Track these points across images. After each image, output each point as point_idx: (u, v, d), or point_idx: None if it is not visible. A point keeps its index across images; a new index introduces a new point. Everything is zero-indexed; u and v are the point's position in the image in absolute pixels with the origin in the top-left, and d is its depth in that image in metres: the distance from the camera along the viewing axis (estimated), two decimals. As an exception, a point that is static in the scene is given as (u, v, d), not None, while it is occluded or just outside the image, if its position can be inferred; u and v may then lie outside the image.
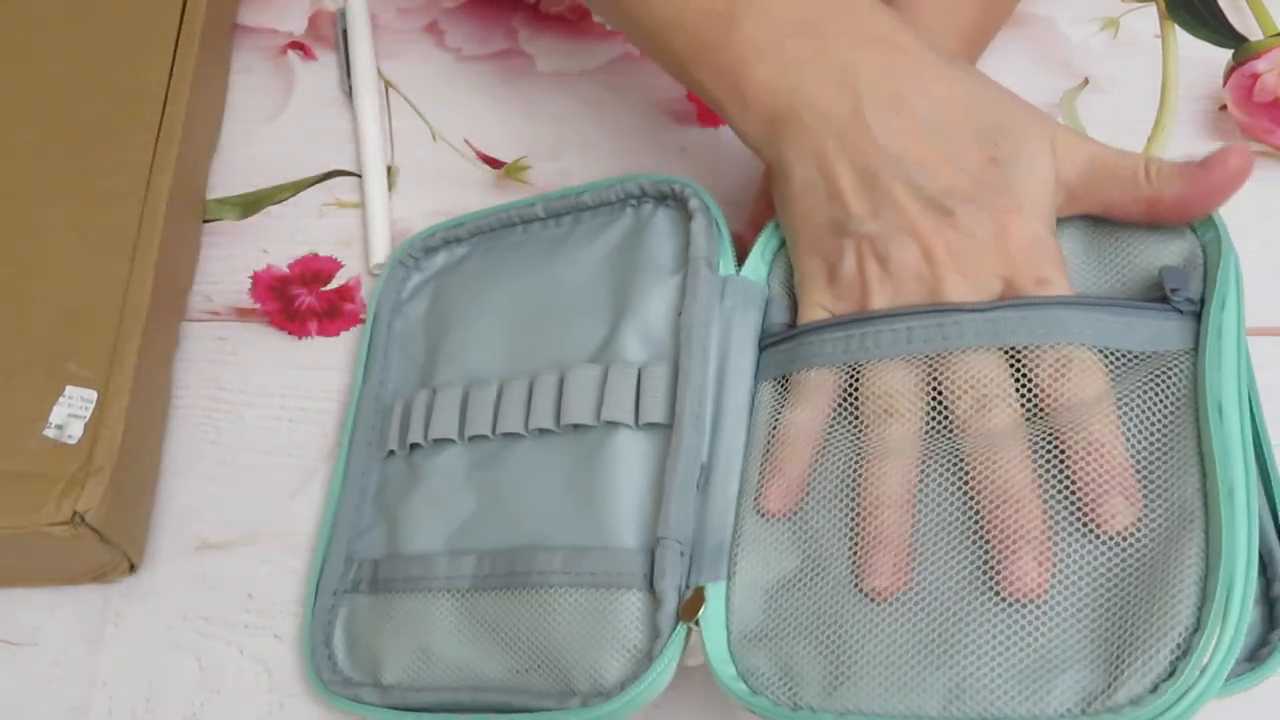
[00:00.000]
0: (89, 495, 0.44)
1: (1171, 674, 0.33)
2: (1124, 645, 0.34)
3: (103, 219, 0.50)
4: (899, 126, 0.40)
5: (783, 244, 0.45)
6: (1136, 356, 0.38)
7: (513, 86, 0.59)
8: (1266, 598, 0.36)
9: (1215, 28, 0.59)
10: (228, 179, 0.57)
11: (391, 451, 0.49)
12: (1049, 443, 0.38)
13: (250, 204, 0.57)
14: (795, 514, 0.40)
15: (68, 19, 0.55)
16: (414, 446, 0.48)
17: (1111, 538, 0.36)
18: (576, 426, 0.44)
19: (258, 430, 0.52)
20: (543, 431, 0.45)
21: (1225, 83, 0.57)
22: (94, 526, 0.44)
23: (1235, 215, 0.43)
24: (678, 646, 0.39)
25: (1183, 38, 0.59)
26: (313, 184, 0.57)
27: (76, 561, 0.47)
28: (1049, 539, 0.36)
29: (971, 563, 0.37)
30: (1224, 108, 0.57)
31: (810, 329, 0.41)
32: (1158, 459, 0.36)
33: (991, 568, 0.36)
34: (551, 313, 0.47)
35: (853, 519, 0.39)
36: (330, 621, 0.47)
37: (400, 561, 0.46)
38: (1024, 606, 0.35)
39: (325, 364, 0.53)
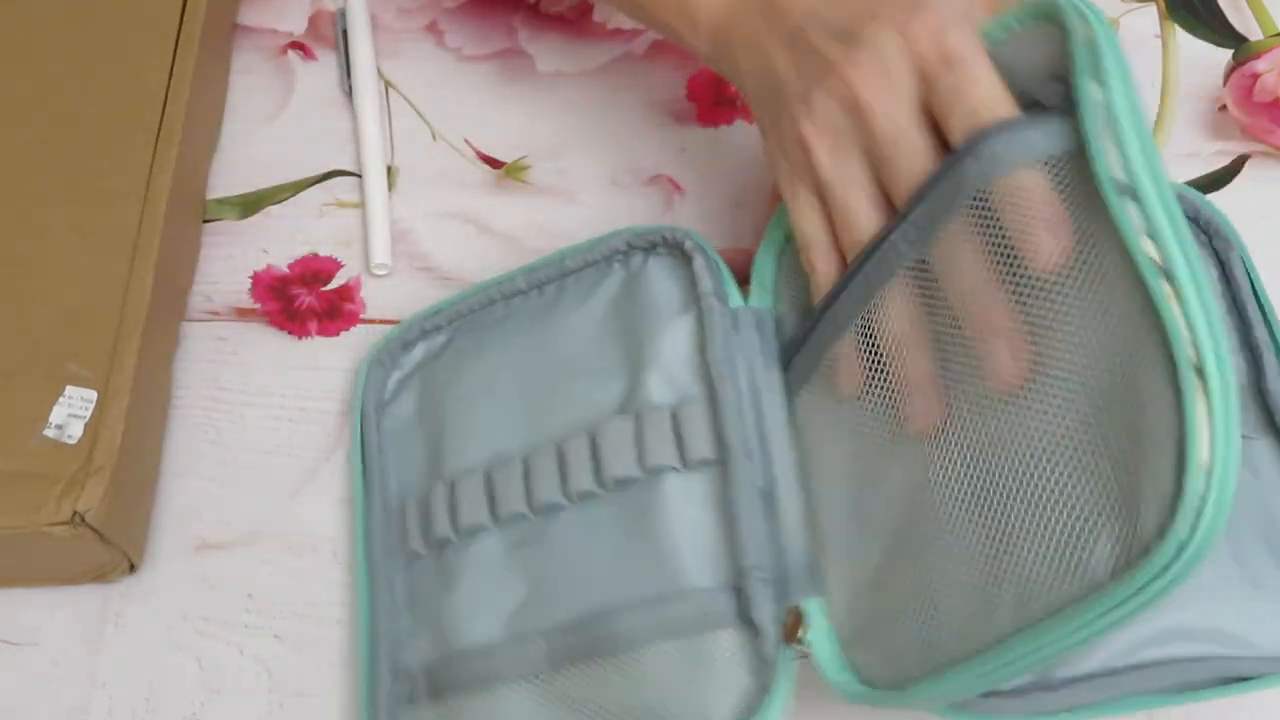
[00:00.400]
0: (89, 495, 0.44)
1: (1179, 490, 0.29)
2: (1134, 477, 0.31)
3: (103, 219, 0.50)
4: None
5: (778, 262, 0.45)
6: (1044, 165, 0.35)
7: (513, 86, 0.59)
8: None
9: (1215, 28, 0.59)
10: (228, 179, 0.57)
11: (416, 554, 0.46)
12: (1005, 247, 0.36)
13: (250, 204, 0.57)
14: (860, 504, 0.40)
15: (68, 19, 0.55)
16: (442, 543, 0.45)
17: (1055, 297, 0.34)
18: (620, 482, 0.43)
19: (258, 430, 0.51)
20: (584, 495, 0.43)
21: (1225, 83, 0.57)
22: (94, 526, 0.44)
23: (1236, 215, 0.43)
24: (790, 671, 0.38)
25: (1183, 38, 0.59)
26: (313, 184, 0.57)
27: (76, 561, 0.47)
28: (1019, 329, 0.35)
29: (995, 446, 0.36)
30: (1224, 108, 0.57)
31: (807, 328, 0.42)
32: (1081, 263, 0.34)
33: (979, 374, 0.36)
34: (559, 378, 0.46)
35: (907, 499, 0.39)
36: None
37: (457, 660, 0.43)
38: (1036, 470, 0.34)
39: (325, 364, 0.53)
